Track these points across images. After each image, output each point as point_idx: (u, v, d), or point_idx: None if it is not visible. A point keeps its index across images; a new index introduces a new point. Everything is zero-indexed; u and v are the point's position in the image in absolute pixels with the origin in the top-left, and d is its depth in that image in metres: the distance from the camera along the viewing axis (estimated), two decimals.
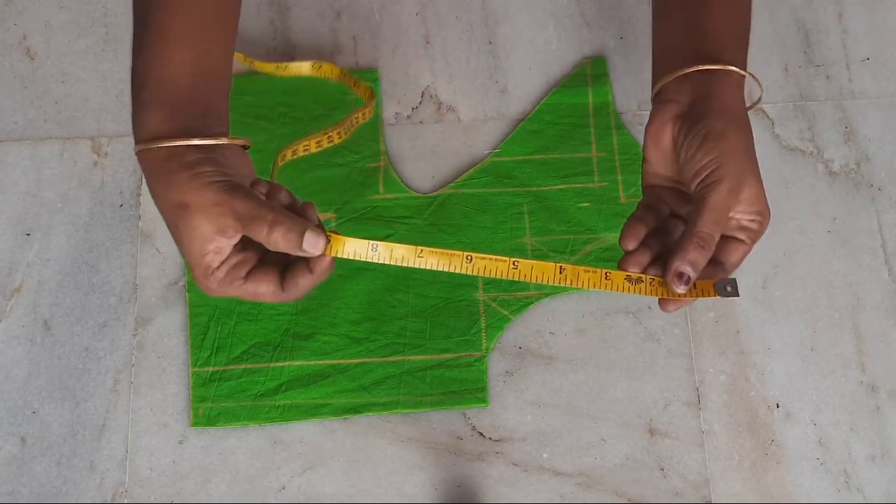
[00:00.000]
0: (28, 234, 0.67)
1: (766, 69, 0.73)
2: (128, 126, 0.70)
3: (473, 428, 0.65)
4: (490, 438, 0.65)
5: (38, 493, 0.63)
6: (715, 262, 0.50)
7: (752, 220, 0.50)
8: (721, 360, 0.67)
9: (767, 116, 0.72)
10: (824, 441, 0.65)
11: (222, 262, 0.46)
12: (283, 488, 0.63)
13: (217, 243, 0.45)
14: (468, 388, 0.65)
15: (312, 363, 0.65)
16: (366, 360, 0.65)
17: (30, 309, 0.66)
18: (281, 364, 0.65)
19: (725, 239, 0.50)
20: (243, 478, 0.63)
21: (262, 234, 0.45)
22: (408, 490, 0.63)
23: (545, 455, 0.64)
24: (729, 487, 0.64)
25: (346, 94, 0.71)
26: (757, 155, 0.72)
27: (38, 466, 0.63)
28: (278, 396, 0.64)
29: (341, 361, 0.65)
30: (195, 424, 0.64)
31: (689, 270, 0.48)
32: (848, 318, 0.68)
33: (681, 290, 0.48)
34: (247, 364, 0.65)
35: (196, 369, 0.64)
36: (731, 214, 0.49)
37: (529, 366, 0.66)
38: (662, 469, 0.64)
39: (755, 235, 0.50)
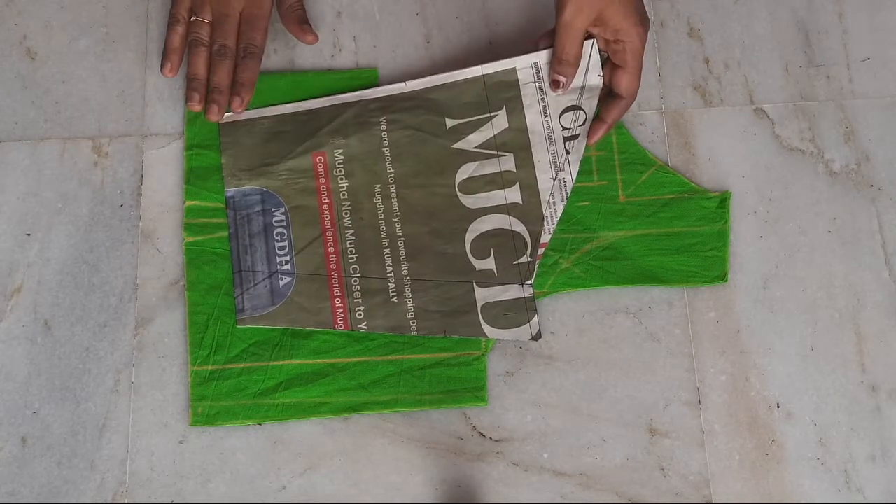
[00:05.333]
0: (28, 235, 0.67)
1: (766, 69, 0.73)
2: (128, 126, 0.71)
3: (474, 428, 0.65)
4: (490, 438, 0.65)
5: (39, 493, 0.63)
6: (614, 94, 0.67)
7: (614, 39, 0.64)
8: (721, 360, 0.67)
9: (767, 116, 0.72)
10: (824, 441, 0.65)
11: None
12: (284, 488, 0.63)
13: None
14: (467, 387, 0.65)
15: (311, 362, 0.65)
16: (365, 358, 0.65)
17: (30, 309, 0.66)
18: (280, 363, 0.65)
19: (613, 67, 0.66)
20: (243, 478, 0.63)
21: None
22: (408, 490, 0.63)
23: (545, 455, 0.64)
24: (729, 487, 0.64)
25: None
26: (757, 155, 0.73)
27: (39, 466, 0.63)
28: (277, 395, 0.64)
29: (340, 360, 0.65)
30: (194, 423, 0.64)
31: (561, 78, 0.66)
32: (848, 318, 0.68)
33: (558, 92, 0.67)
34: (246, 363, 0.65)
35: (195, 368, 0.64)
36: (590, 30, 0.64)
37: (529, 366, 0.66)
38: (663, 469, 0.64)
39: (623, 55, 0.64)
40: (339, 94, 0.70)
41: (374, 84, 0.71)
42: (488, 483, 0.64)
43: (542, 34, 0.68)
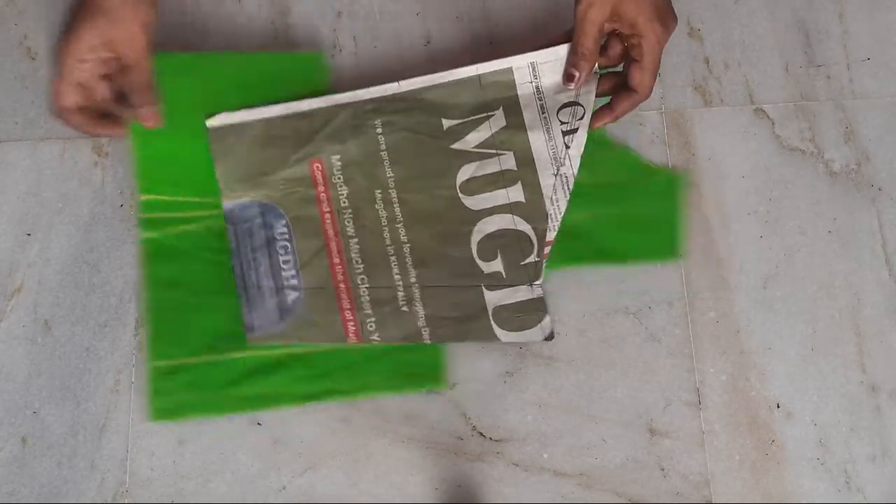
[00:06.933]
0: (28, 235, 0.67)
1: (766, 69, 0.73)
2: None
3: (474, 428, 0.65)
4: (490, 438, 0.65)
5: (39, 493, 0.63)
6: (629, 88, 0.65)
7: (631, 34, 0.62)
8: (721, 360, 0.67)
9: (768, 116, 0.72)
10: (824, 441, 0.65)
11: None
12: (284, 488, 0.63)
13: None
14: (425, 370, 0.64)
15: (270, 353, 0.64)
16: (324, 347, 0.65)
17: (30, 309, 0.66)
18: (239, 355, 0.64)
19: (630, 60, 0.64)
20: (244, 478, 0.63)
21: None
22: (408, 490, 0.63)
23: (545, 455, 0.64)
24: (729, 487, 0.64)
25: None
26: (757, 155, 0.73)
27: (39, 466, 0.63)
28: (238, 387, 0.63)
29: (299, 350, 0.65)
30: (156, 419, 0.63)
31: (575, 72, 0.65)
32: (848, 318, 0.68)
33: (570, 86, 0.66)
34: (205, 356, 0.64)
35: (155, 363, 0.64)
36: (611, 25, 0.63)
37: (529, 366, 0.66)
38: (663, 469, 0.64)
39: (639, 50, 0.62)
40: (331, 94, 0.68)
41: (321, 70, 0.69)
42: (488, 483, 0.64)
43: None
